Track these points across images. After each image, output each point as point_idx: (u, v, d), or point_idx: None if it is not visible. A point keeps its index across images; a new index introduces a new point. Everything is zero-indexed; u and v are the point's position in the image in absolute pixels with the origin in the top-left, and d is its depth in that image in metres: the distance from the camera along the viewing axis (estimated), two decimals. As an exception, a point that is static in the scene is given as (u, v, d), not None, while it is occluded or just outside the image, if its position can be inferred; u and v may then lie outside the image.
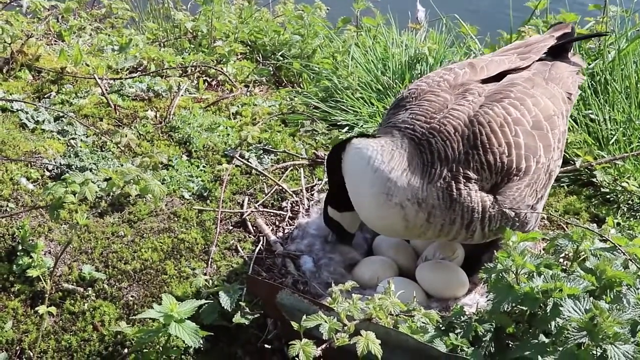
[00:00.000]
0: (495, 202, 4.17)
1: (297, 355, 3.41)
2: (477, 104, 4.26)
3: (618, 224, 5.08)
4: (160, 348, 4.09)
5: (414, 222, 4.15)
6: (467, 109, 4.23)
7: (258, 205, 5.14)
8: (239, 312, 4.22)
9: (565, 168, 5.56)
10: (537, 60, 4.71)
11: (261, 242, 4.84)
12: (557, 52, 4.86)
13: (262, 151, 5.64)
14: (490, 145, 4.12)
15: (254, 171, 5.43)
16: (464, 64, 4.66)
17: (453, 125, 4.17)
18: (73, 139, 5.58)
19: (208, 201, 5.16)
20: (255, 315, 4.23)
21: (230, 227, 4.98)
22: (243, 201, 5.17)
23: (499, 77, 4.52)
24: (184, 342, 3.88)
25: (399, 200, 4.09)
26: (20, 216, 4.84)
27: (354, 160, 4.19)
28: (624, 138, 5.78)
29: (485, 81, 4.48)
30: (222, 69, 6.74)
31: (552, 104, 4.38)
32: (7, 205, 4.91)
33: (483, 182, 4.12)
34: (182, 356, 4.18)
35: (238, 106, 6.22)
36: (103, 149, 5.50)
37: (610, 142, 5.75)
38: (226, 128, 5.84)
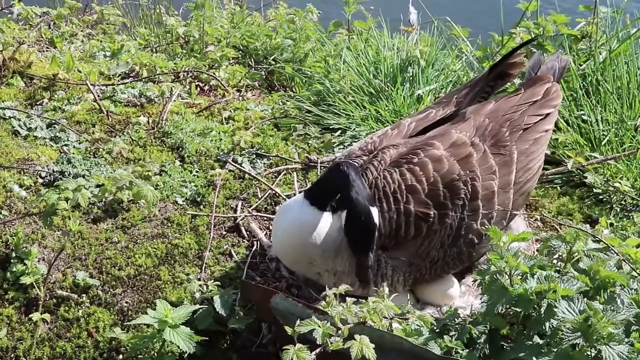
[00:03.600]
0: (387, 261, 4.32)
1: (292, 360, 3.41)
2: (384, 165, 4.37)
3: (611, 224, 5.09)
4: (155, 354, 4.08)
5: (323, 278, 4.37)
6: (374, 170, 4.36)
7: (251, 210, 5.14)
8: (234, 316, 4.23)
9: (557, 169, 5.57)
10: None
11: (255, 247, 4.84)
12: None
13: (255, 156, 5.63)
14: (381, 209, 4.22)
15: (247, 176, 5.42)
16: (396, 124, 4.74)
17: None
18: (65, 145, 5.57)
19: (201, 206, 5.16)
20: (250, 320, 4.24)
21: (224, 232, 4.98)
22: (236, 206, 5.17)
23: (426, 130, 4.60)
24: (178, 347, 3.89)
25: (319, 270, 4.34)
26: (13, 223, 4.83)
27: (309, 217, 4.24)
28: (616, 138, 5.79)
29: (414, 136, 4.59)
30: (214, 74, 6.73)
31: (458, 166, 4.31)
32: (0, 213, 4.90)
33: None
34: (177, 361, 4.19)
35: (230, 111, 6.21)
36: (96, 156, 5.49)
37: (603, 143, 5.75)
38: (219, 133, 5.83)
